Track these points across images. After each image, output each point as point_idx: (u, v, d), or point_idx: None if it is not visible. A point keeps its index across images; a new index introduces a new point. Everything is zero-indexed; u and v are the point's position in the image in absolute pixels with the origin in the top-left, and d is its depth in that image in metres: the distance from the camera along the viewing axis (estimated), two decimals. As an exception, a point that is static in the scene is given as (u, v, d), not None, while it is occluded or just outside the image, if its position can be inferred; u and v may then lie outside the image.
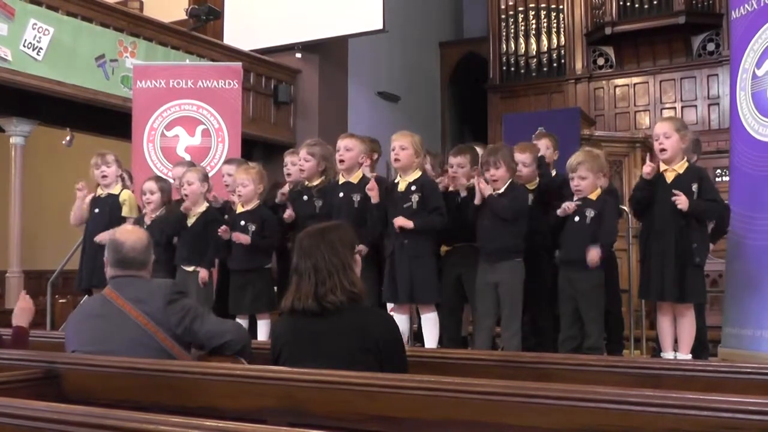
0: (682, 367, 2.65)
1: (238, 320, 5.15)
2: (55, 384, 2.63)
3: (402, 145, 4.75)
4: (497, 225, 4.59)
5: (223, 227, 5.11)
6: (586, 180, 4.53)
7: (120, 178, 5.90)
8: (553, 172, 5.28)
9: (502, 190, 4.65)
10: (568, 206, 4.53)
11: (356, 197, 4.91)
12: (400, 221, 4.61)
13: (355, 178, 4.97)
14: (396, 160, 4.75)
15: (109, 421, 1.81)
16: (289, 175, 5.56)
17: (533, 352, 4.43)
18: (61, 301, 8.20)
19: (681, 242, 4.35)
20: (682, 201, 4.28)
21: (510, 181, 4.68)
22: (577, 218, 4.54)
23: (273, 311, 5.27)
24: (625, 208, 6.08)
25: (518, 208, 4.62)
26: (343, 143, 4.99)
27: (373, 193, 4.72)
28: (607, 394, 1.89)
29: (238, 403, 2.32)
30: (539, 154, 5.15)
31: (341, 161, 4.97)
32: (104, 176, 5.76)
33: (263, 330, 5.16)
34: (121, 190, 5.83)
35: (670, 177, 4.45)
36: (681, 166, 4.46)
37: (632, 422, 1.83)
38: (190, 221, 5.27)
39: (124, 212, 5.72)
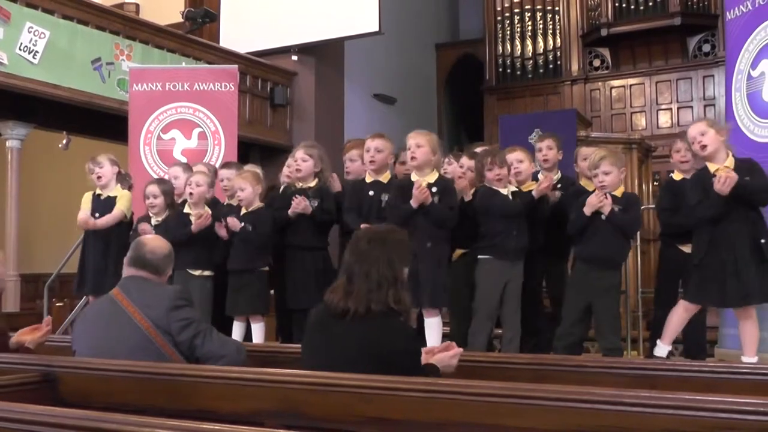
0: (679, 367, 2.66)
1: (235, 323, 5.17)
2: (52, 387, 2.63)
3: (418, 143, 4.63)
4: (518, 224, 4.62)
5: (217, 223, 5.11)
6: (610, 174, 4.45)
7: (119, 176, 5.86)
8: (558, 174, 5.24)
9: (512, 189, 4.71)
10: (597, 199, 4.41)
11: (385, 197, 4.83)
12: (425, 195, 4.47)
13: (384, 178, 4.90)
14: (412, 158, 4.64)
15: (106, 424, 1.81)
16: (289, 176, 5.53)
17: (530, 353, 4.43)
18: (58, 304, 8.18)
19: (754, 244, 4.20)
20: (729, 178, 4.05)
21: (513, 186, 4.74)
22: (603, 216, 4.44)
23: (267, 314, 5.28)
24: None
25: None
26: (374, 144, 4.86)
27: (425, 196, 4.51)
28: (603, 395, 1.90)
29: (235, 405, 2.32)
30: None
31: (372, 161, 4.86)
32: (99, 177, 5.70)
33: (258, 333, 5.15)
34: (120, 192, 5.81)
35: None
36: (730, 162, 4.28)
37: (628, 423, 1.84)
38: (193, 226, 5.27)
39: (117, 206, 5.70)
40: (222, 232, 5.13)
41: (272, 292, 5.47)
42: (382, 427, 2.10)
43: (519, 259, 4.67)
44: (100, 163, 5.72)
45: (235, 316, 5.18)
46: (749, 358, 4.26)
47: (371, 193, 4.89)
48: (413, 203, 4.48)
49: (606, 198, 4.40)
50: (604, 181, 4.46)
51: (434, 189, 4.59)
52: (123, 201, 5.72)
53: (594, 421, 1.87)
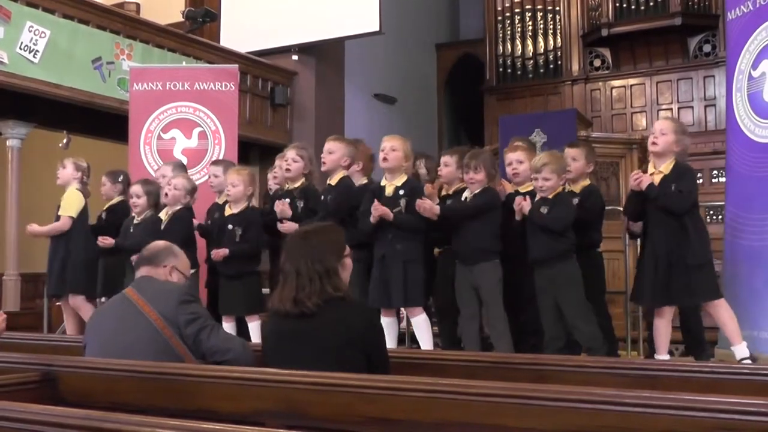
0: (679, 368, 2.65)
1: (225, 323, 5.18)
2: (52, 387, 2.62)
3: (393, 146, 4.76)
4: (470, 226, 4.63)
5: (214, 251, 5.18)
6: (549, 181, 4.54)
7: (77, 181, 5.91)
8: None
9: (477, 191, 4.71)
10: (521, 205, 4.57)
11: (329, 198, 4.98)
12: (381, 210, 4.60)
13: (333, 180, 5.04)
14: (384, 159, 4.75)
15: (106, 424, 1.81)
16: (275, 177, 5.60)
17: (530, 353, 4.43)
18: (57, 303, 8.17)
19: (676, 244, 4.32)
20: (642, 181, 4.35)
21: (480, 188, 4.73)
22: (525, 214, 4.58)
23: (263, 312, 5.31)
24: (620, 208, 6.08)
25: (473, 206, 4.67)
26: (326, 146, 5.07)
27: (380, 213, 4.64)
28: (604, 396, 1.90)
29: (236, 405, 2.32)
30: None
31: (323, 163, 5.05)
32: (58, 178, 5.92)
33: (255, 332, 5.17)
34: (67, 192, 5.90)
35: (657, 180, 4.41)
36: (667, 167, 4.41)
37: (629, 423, 1.84)
38: (163, 224, 5.28)
39: (60, 211, 5.77)
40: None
41: (268, 291, 5.49)
42: (384, 427, 2.10)
43: (477, 261, 4.63)
44: (64, 164, 5.86)
45: (225, 316, 5.19)
46: (737, 346, 4.38)
47: (323, 197, 5.01)
48: (371, 219, 4.62)
49: (524, 200, 4.55)
50: (543, 186, 4.56)
51: (401, 192, 4.70)
52: (66, 204, 5.79)
53: (595, 422, 1.87)
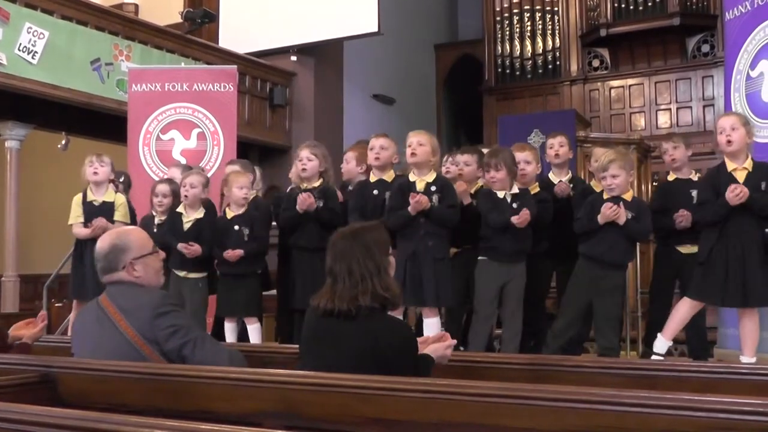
0: (677, 368, 2.65)
1: (227, 325, 5.16)
2: (51, 388, 2.62)
3: (420, 141, 4.64)
4: (512, 228, 4.56)
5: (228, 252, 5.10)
6: (618, 178, 4.41)
7: (111, 184, 5.80)
8: (569, 174, 5.24)
9: (515, 191, 4.67)
10: (611, 211, 4.34)
11: (387, 195, 4.84)
12: (422, 200, 4.48)
13: (388, 177, 4.93)
14: (413, 154, 4.64)
15: (104, 425, 1.81)
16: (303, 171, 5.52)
17: (530, 353, 4.43)
18: (57, 305, 8.19)
19: (760, 244, 4.17)
20: (743, 194, 4.06)
21: (516, 188, 4.69)
22: (620, 223, 4.38)
23: (262, 315, 5.32)
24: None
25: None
26: (379, 142, 4.91)
27: (422, 206, 4.51)
28: (602, 396, 1.90)
29: (233, 406, 2.32)
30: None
31: (377, 158, 4.89)
32: (96, 173, 5.55)
33: (254, 334, 5.16)
34: (115, 196, 5.75)
35: (741, 176, 4.23)
36: (749, 163, 4.26)
37: (627, 423, 1.84)
38: (186, 226, 5.25)
39: (116, 217, 5.62)
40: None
41: (275, 292, 5.49)
42: (381, 427, 2.10)
43: (516, 261, 4.64)
44: (104, 161, 5.64)
45: (228, 317, 5.19)
46: (747, 359, 4.25)
47: (375, 192, 4.91)
48: (411, 210, 4.50)
49: (620, 208, 4.34)
50: (612, 184, 4.43)
51: (433, 188, 4.60)
52: (122, 213, 5.64)
53: (593, 422, 1.87)
